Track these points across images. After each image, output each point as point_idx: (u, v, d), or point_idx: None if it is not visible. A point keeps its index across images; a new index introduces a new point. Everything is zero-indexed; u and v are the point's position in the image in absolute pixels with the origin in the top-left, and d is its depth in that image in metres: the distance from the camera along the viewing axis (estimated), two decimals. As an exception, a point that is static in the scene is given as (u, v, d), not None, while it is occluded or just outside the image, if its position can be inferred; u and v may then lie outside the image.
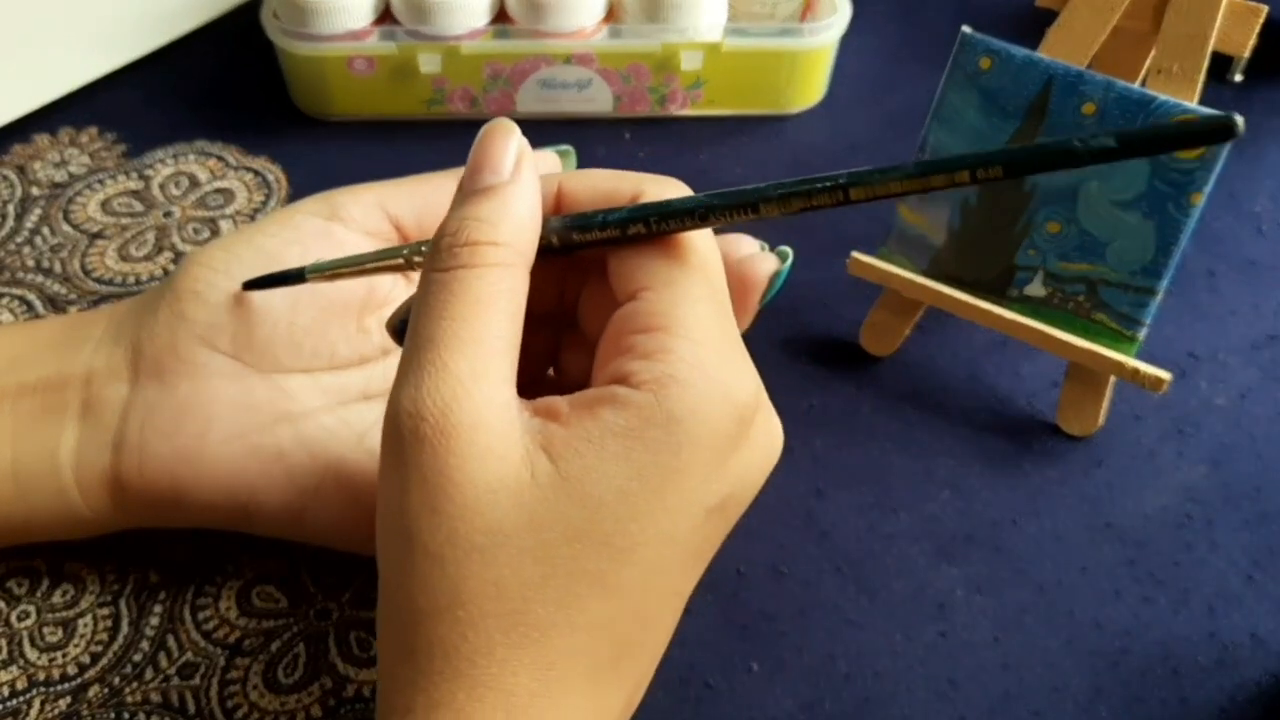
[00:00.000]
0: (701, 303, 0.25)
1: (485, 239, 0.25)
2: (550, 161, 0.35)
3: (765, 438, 0.26)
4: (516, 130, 0.26)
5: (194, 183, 0.48)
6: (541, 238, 0.26)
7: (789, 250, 0.30)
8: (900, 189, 0.22)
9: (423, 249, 0.29)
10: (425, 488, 0.23)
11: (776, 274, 0.30)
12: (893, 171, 0.22)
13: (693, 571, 0.26)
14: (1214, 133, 0.19)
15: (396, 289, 0.34)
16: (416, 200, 0.34)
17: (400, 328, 0.28)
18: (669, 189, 0.26)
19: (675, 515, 0.24)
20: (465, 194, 0.26)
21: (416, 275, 0.35)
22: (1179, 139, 0.19)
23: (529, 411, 0.24)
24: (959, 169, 0.21)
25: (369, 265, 0.30)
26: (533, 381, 0.27)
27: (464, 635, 0.23)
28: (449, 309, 0.24)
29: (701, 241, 0.26)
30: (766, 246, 0.31)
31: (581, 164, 0.30)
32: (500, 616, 0.23)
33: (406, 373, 0.24)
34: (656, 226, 0.25)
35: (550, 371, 0.31)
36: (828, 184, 0.23)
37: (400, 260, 0.29)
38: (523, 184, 0.26)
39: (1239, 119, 0.18)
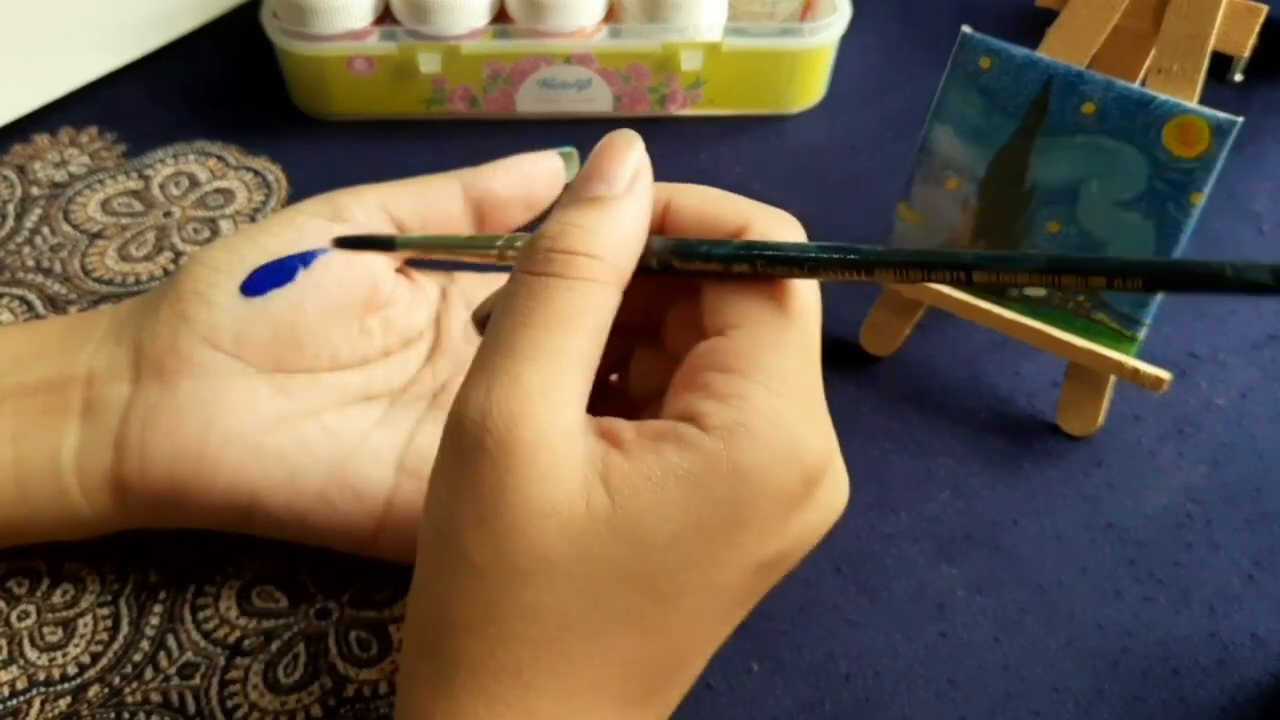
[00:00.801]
0: (790, 351, 0.24)
1: (584, 250, 0.24)
2: (551, 163, 0.35)
3: (830, 498, 0.25)
4: (639, 143, 0.25)
5: (194, 183, 0.48)
6: (643, 258, 0.25)
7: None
8: (1027, 281, 0.21)
9: (517, 243, 0.28)
10: (478, 500, 0.22)
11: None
12: (1022, 261, 0.20)
13: (735, 618, 0.25)
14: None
15: (399, 289, 0.34)
16: (419, 202, 0.34)
17: (485, 320, 0.28)
18: (780, 227, 0.25)
19: (726, 569, 0.23)
20: (574, 200, 0.25)
21: (418, 278, 0.35)
22: None
23: (593, 433, 0.23)
24: (1097, 273, 0.19)
25: (461, 249, 0.29)
26: (595, 385, 0.28)
27: (492, 652, 0.23)
28: (533, 317, 0.23)
29: (806, 288, 0.25)
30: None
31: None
32: (532, 641, 0.23)
33: (478, 376, 0.23)
34: (762, 269, 0.24)
35: (614, 377, 0.30)
36: (951, 261, 0.22)
37: (494, 251, 0.29)
38: (634, 201, 0.24)
39: None
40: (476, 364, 0.23)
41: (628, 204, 0.24)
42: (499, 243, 0.28)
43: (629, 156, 0.25)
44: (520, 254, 0.24)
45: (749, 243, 0.24)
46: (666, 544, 0.22)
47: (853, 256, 0.23)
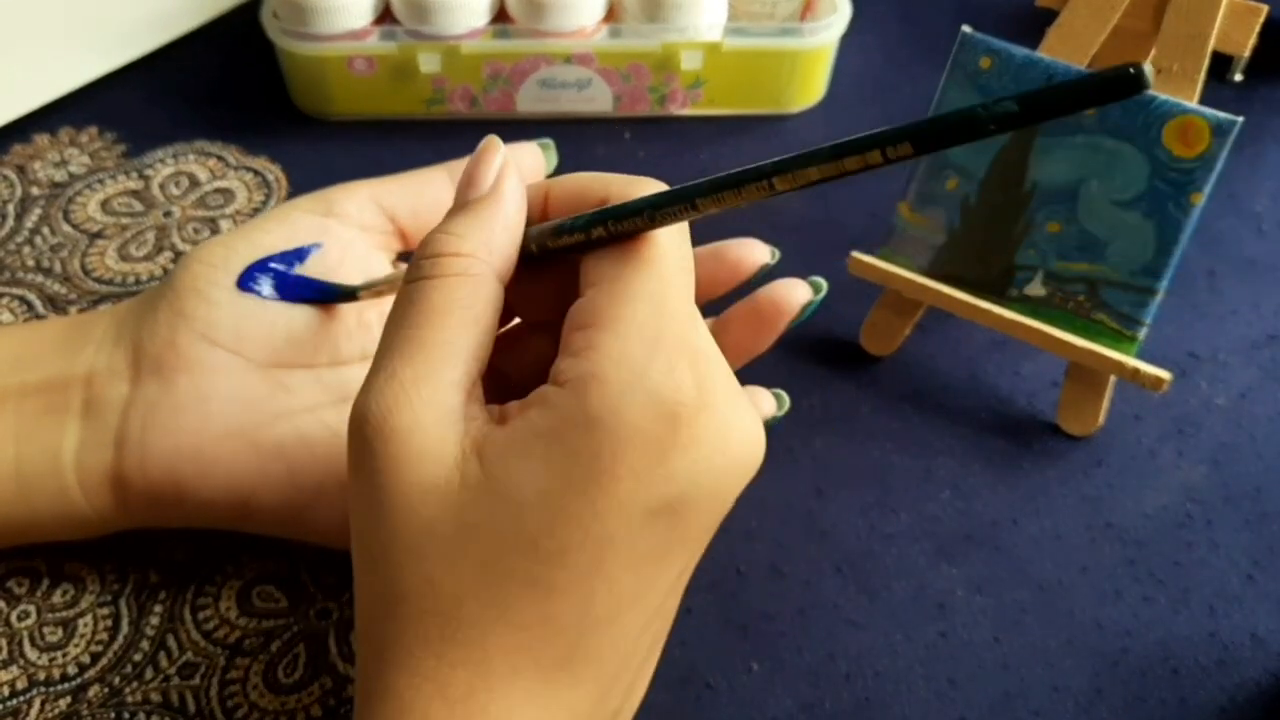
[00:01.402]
0: (641, 298, 0.24)
1: (449, 250, 0.25)
2: (531, 154, 0.35)
3: (717, 437, 0.24)
4: (500, 149, 0.27)
5: (194, 182, 0.48)
6: (524, 246, 0.27)
7: (824, 282, 0.32)
8: (818, 175, 0.22)
9: None
10: (367, 489, 0.24)
11: (809, 304, 0.31)
12: (812, 157, 0.22)
13: (649, 574, 0.25)
14: (1120, 84, 0.17)
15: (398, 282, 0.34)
16: (411, 195, 0.34)
17: None
18: (637, 189, 0.26)
19: (606, 518, 0.23)
20: (450, 210, 0.27)
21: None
22: (1083, 93, 0.18)
23: (478, 416, 0.24)
24: (870, 149, 0.20)
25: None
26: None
27: (403, 629, 0.24)
28: (407, 318, 0.25)
29: (664, 238, 0.26)
30: (777, 252, 0.32)
31: (581, 165, 0.30)
32: (437, 614, 0.24)
33: (367, 377, 0.25)
34: (613, 229, 0.25)
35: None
36: (752, 175, 0.23)
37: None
38: (498, 197, 0.26)
39: (1148, 69, 0.17)
40: (371, 366, 0.25)
41: (492, 200, 0.26)
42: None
43: (492, 159, 0.27)
44: (406, 271, 0.26)
45: (600, 210, 0.25)
46: (537, 500, 0.23)
47: (675, 196, 0.24)
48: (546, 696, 0.24)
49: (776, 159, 0.22)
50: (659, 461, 0.24)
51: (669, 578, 0.25)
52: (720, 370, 0.25)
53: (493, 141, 0.28)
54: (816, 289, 0.32)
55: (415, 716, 0.23)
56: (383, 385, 0.24)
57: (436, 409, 0.24)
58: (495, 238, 0.26)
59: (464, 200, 0.27)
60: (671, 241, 0.26)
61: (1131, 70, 0.17)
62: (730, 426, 0.25)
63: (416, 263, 0.26)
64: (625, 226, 0.25)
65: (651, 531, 0.24)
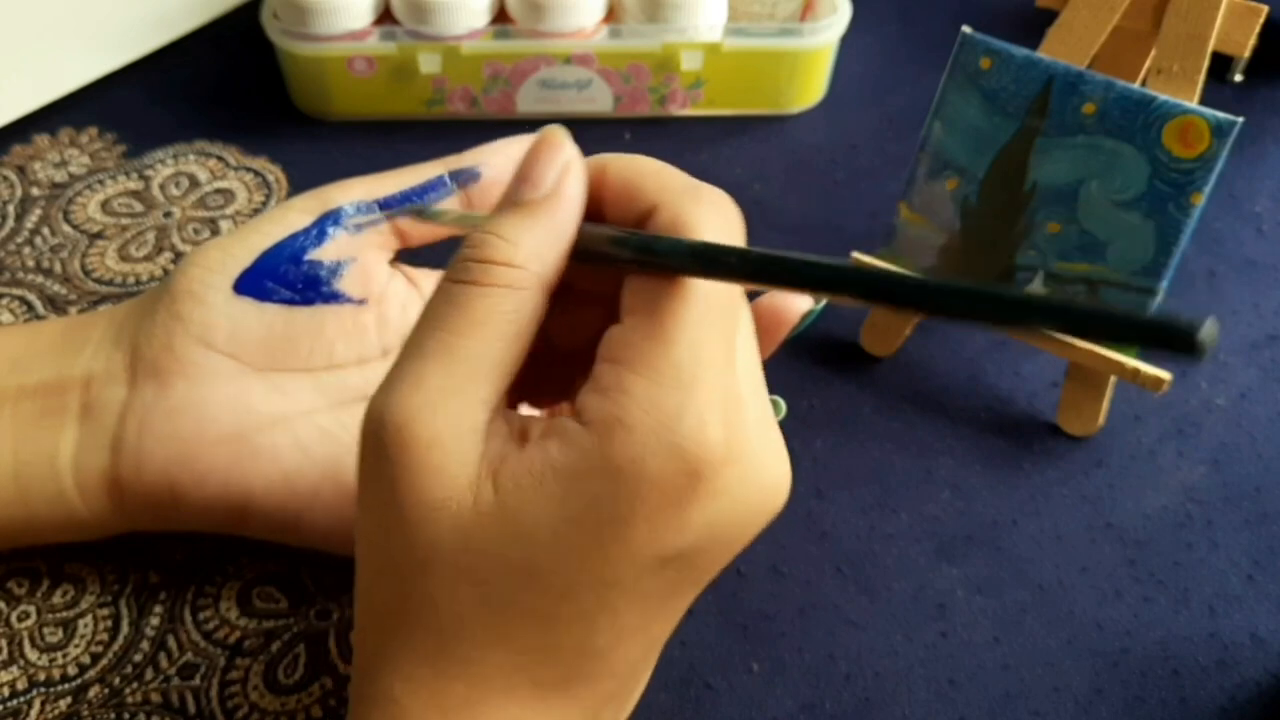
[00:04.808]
0: (678, 342, 0.23)
1: (500, 259, 0.24)
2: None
3: (739, 489, 0.23)
4: (565, 142, 0.25)
5: (194, 183, 0.48)
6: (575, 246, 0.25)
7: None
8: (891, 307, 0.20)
9: None
10: (378, 494, 0.24)
11: (808, 313, 0.30)
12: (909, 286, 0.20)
13: (655, 614, 0.25)
14: (1170, 338, 0.16)
15: (394, 283, 0.34)
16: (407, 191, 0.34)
17: None
18: (692, 208, 0.24)
19: (618, 564, 0.23)
20: (503, 205, 0.25)
21: (415, 275, 0.35)
22: (1129, 331, 0.17)
23: (501, 434, 0.24)
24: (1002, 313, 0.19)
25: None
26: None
27: (402, 640, 0.24)
28: (445, 322, 0.24)
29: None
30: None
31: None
32: (437, 630, 0.23)
33: (390, 376, 0.24)
34: (660, 262, 0.23)
35: None
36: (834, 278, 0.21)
37: None
38: (558, 203, 0.25)
39: (1205, 336, 0.16)
40: (394, 365, 0.24)
41: (552, 207, 0.24)
42: None
43: (557, 156, 0.25)
44: (450, 263, 0.25)
45: (636, 238, 0.24)
46: (548, 539, 0.23)
47: (733, 261, 0.22)
48: (541, 712, 0.24)
49: (864, 269, 0.21)
50: (676, 514, 0.23)
51: (677, 610, 0.25)
52: (755, 416, 0.24)
53: (555, 133, 0.25)
54: (816, 299, 0.31)
55: None
56: (408, 391, 0.23)
57: (460, 425, 0.23)
58: (549, 250, 0.24)
59: (519, 199, 0.25)
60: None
61: (1189, 334, 0.16)
62: (755, 476, 0.24)
63: (464, 263, 0.24)
64: (672, 264, 0.23)
65: (662, 577, 0.24)
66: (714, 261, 0.22)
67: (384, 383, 0.24)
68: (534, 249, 0.24)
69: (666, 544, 0.23)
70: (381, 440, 0.23)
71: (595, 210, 0.25)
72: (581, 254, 0.25)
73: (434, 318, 0.24)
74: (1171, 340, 0.16)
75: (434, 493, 0.23)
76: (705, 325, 0.23)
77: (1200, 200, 0.34)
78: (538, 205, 0.24)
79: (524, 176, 0.25)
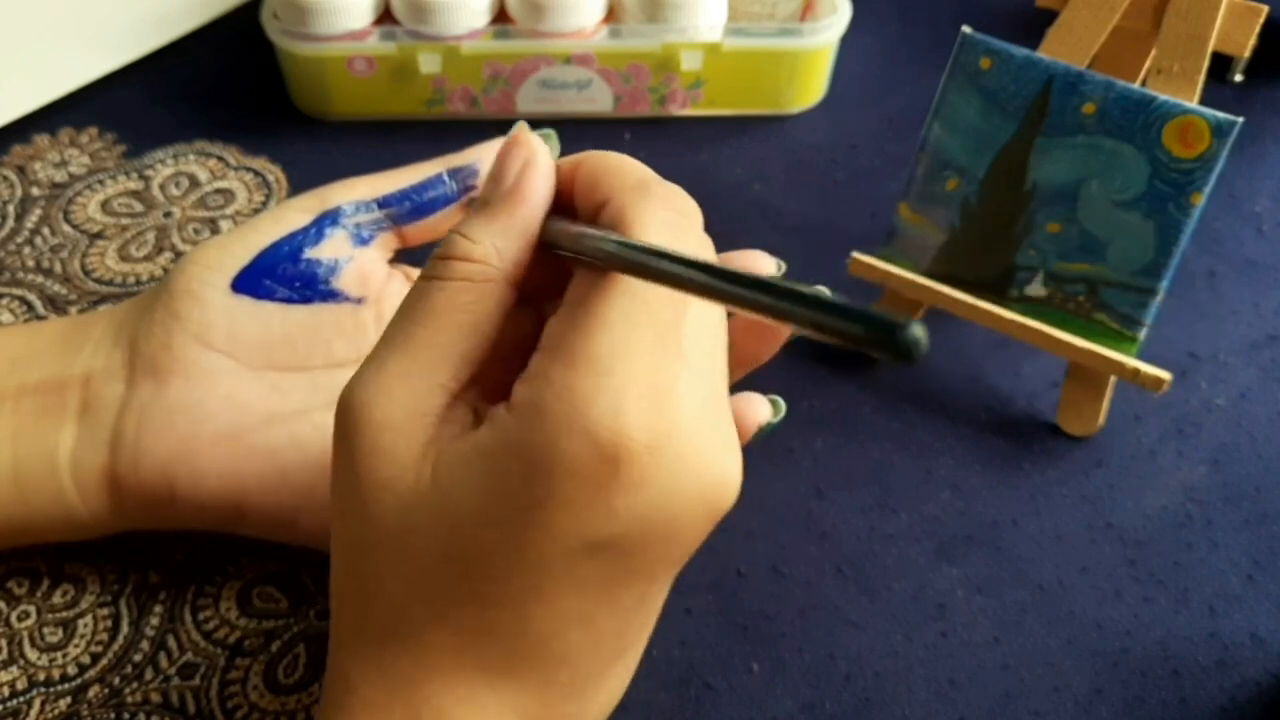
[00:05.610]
0: (600, 330, 0.23)
1: (458, 254, 0.25)
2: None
3: (670, 479, 0.23)
4: (526, 140, 0.26)
5: (194, 183, 0.48)
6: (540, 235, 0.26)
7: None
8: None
9: None
10: (340, 477, 0.25)
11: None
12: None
13: (597, 604, 0.25)
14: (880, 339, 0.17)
15: (393, 282, 0.34)
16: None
17: None
18: (639, 202, 0.25)
19: (540, 546, 0.23)
20: (476, 204, 0.27)
21: (413, 274, 0.35)
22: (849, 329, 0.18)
23: (463, 423, 0.24)
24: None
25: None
26: None
27: (352, 617, 0.25)
28: (408, 313, 0.25)
29: None
30: (784, 265, 0.30)
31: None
32: (385, 606, 0.24)
33: (361, 364, 0.25)
34: (586, 257, 0.24)
35: None
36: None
37: None
38: (517, 198, 0.26)
39: (915, 338, 0.16)
40: (368, 355, 0.25)
41: (511, 202, 0.26)
42: None
43: (519, 153, 0.26)
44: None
45: (576, 233, 0.25)
46: (474, 520, 0.23)
47: (679, 270, 0.22)
48: (489, 695, 0.25)
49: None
50: (597, 499, 0.23)
51: (624, 603, 0.25)
52: (695, 410, 0.24)
53: (519, 132, 0.27)
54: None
55: (358, 699, 0.24)
56: (370, 376, 0.25)
57: (412, 408, 0.24)
58: (508, 244, 0.25)
59: (488, 195, 0.26)
60: None
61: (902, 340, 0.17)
62: (688, 469, 0.24)
63: (432, 261, 0.26)
64: (598, 260, 0.24)
65: (594, 563, 0.24)
66: (633, 262, 0.23)
67: (356, 370, 0.25)
68: (493, 244, 0.25)
69: (591, 530, 0.23)
70: (344, 422, 0.25)
71: (568, 205, 0.26)
72: (547, 248, 0.26)
73: (402, 310, 0.25)
74: (878, 337, 0.17)
75: (381, 472, 0.24)
76: (633, 317, 0.23)
77: (1200, 200, 0.34)
78: (497, 202, 0.26)
79: (491, 175, 0.26)
